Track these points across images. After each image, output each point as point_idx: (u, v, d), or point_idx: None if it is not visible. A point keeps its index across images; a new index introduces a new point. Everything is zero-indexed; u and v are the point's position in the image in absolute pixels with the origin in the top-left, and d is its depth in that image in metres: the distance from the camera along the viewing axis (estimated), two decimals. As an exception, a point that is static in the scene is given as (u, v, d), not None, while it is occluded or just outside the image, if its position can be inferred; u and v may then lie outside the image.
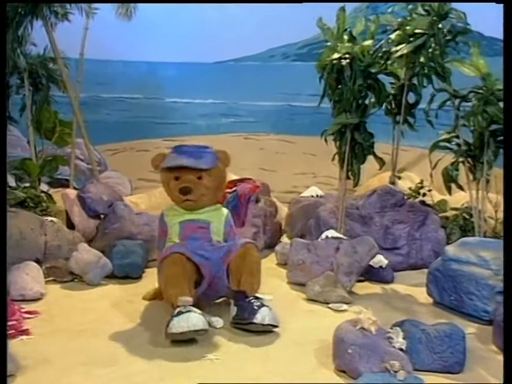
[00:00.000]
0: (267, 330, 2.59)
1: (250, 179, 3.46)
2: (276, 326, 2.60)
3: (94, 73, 4.85)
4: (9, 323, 2.48)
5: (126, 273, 3.31)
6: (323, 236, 3.46)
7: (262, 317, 2.55)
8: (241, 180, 3.45)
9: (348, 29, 3.58)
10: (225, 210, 3.01)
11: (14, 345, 2.32)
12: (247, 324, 2.57)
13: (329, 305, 2.96)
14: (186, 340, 2.41)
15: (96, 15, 3.90)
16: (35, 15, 3.46)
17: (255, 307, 2.58)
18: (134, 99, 5.51)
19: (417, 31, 3.45)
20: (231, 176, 3.62)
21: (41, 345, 2.42)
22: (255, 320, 2.55)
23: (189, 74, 5.67)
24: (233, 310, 2.66)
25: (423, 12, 3.47)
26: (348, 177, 3.69)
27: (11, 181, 3.64)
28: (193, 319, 2.39)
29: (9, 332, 2.44)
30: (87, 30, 3.88)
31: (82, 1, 3.72)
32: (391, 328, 2.33)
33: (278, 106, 5.81)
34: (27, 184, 3.52)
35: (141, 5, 4.24)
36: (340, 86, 3.52)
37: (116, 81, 5.57)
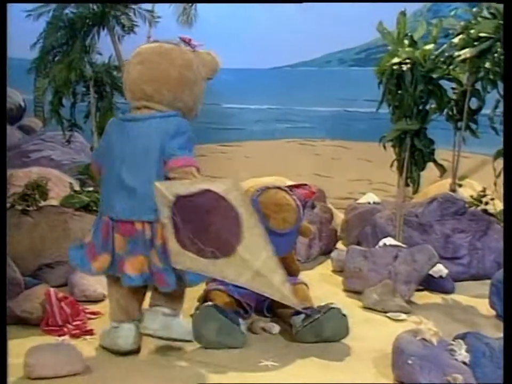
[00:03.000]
0: (340, 334, 2.54)
1: (305, 185, 3.43)
2: (347, 331, 2.56)
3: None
4: (74, 323, 2.59)
5: (183, 277, 3.36)
6: (380, 243, 3.41)
7: (338, 307, 2.54)
8: (297, 186, 3.43)
9: (409, 33, 3.52)
10: None
11: (79, 345, 2.39)
12: (326, 312, 2.51)
13: (387, 314, 2.92)
14: None
15: (158, 23, 3.99)
16: (102, 26, 3.58)
17: (326, 306, 2.56)
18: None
19: (482, 34, 3.34)
20: (287, 182, 3.62)
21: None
22: (332, 306, 2.53)
23: (245, 80, 5.72)
24: (299, 317, 2.60)
25: (488, 15, 3.37)
26: (406, 184, 3.62)
27: (75, 185, 3.77)
28: None
29: (74, 332, 2.54)
30: (150, 39, 3.98)
31: (123, 1, 3.72)
32: (453, 340, 2.27)
33: (334, 111, 5.77)
34: (91, 189, 3.64)
35: (201, 13, 4.32)
36: (399, 92, 3.46)
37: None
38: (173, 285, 2.33)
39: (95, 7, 3.65)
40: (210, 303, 2.51)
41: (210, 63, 2.51)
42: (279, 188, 2.86)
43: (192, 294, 3.11)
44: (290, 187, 3.39)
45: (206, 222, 2.21)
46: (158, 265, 2.31)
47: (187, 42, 2.50)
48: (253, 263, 2.21)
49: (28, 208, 3.29)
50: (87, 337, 2.55)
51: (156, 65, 2.41)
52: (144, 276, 2.35)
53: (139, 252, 2.34)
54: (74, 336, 2.51)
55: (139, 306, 2.48)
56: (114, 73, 3.76)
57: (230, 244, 2.20)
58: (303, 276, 3.10)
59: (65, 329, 2.55)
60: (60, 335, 2.43)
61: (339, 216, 4.50)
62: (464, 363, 2.15)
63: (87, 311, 2.77)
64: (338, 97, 5.72)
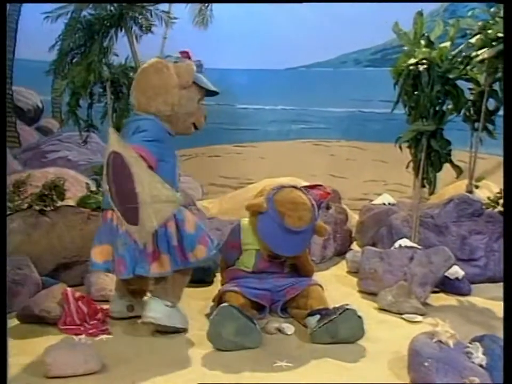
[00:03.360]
0: (355, 336, 2.53)
1: (320, 185, 3.43)
2: (362, 332, 2.55)
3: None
4: (91, 322, 2.61)
5: (199, 277, 3.37)
6: (396, 244, 3.39)
7: (353, 308, 2.54)
8: (312, 187, 3.43)
9: (425, 34, 3.50)
10: None
11: (96, 344, 2.42)
12: (341, 313, 2.50)
13: (403, 316, 2.90)
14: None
15: (174, 24, 4.01)
16: (120, 27, 3.61)
17: (342, 307, 2.55)
18: (206, 105, 5.61)
19: (500, 35, 3.32)
20: (301, 183, 3.62)
21: (121, 345, 2.50)
22: (348, 307, 2.52)
23: (260, 80, 5.73)
24: (314, 318, 2.61)
25: (506, 15, 3.34)
26: (423, 186, 3.60)
27: (92, 185, 3.80)
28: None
29: (92, 331, 2.56)
30: (165, 39, 4.00)
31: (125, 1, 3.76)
32: (470, 343, 2.25)
33: (349, 112, 5.76)
34: (107, 189, 3.66)
35: (216, 14, 4.34)
36: (416, 92, 3.45)
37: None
38: (126, 274, 2.50)
39: (112, 8, 3.68)
40: (227, 303, 2.52)
41: (184, 72, 2.65)
42: (294, 187, 2.87)
43: (205, 295, 3.14)
44: (305, 188, 3.40)
45: (120, 184, 2.40)
46: (121, 252, 2.49)
47: (184, 55, 2.71)
48: (144, 196, 2.35)
49: (45, 209, 3.32)
50: (104, 336, 2.56)
51: (137, 78, 2.73)
52: (107, 264, 2.57)
53: (107, 241, 2.56)
54: (91, 335, 2.53)
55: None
56: (131, 74, 3.78)
57: (133, 191, 2.35)
58: (318, 276, 3.10)
59: (82, 328, 2.57)
60: (77, 334, 2.45)
61: (354, 217, 4.49)
62: (481, 366, 2.14)
63: (104, 310, 2.78)
64: (354, 98, 5.70)
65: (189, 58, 2.70)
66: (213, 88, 2.79)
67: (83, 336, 2.42)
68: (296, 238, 2.75)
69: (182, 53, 2.72)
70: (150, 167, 2.41)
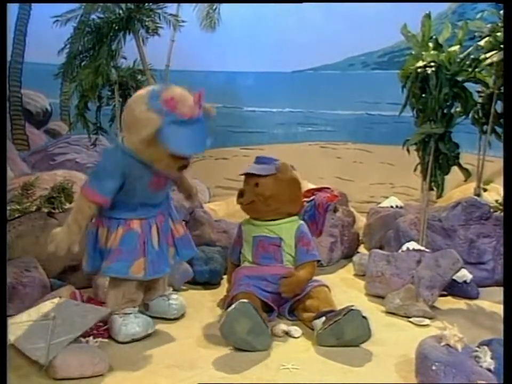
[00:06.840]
0: (361, 337, 2.51)
1: (328, 188, 3.43)
2: (368, 333, 2.52)
3: (177, 84, 5.01)
4: (99, 324, 2.61)
5: (206, 280, 3.38)
6: (404, 247, 3.39)
7: (358, 308, 2.52)
8: (319, 189, 3.43)
9: (434, 36, 3.49)
10: (298, 223, 3.01)
11: (103, 346, 2.43)
12: (345, 314, 2.49)
13: (410, 319, 2.89)
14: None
15: (182, 27, 4.03)
16: (128, 30, 3.63)
17: (346, 308, 2.53)
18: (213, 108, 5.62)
19: (510, 37, 3.31)
20: (308, 185, 3.62)
21: (128, 347, 2.51)
22: (352, 308, 2.51)
23: (267, 83, 5.73)
24: (320, 321, 2.60)
25: (515, 18, 3.32)
26: (430, 188, 3.59)
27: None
28: None
29: (99, 333, 2.56)
30: (174, 42, 4.03)
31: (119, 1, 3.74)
32: (478, 347, 2.24)
33: (356, 115, 5.75)
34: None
35: (224, 17, 4.36)
36: (424, 95, 3.44)
37: (197, 91, 5.71)
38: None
39: (120, 12, 3.70)
40: (246, 300, 2.49)
41: (145, 125, 2.38)
42: None
43: (213, 297, 3.14)
44: (313, 190, 3.40)
45: None
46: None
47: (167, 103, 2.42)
48: None
49: (53, 211, 3.34)
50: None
51: (123, 117, 2.60)
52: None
53: None
54: (98, 337, 2.54)
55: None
56: (139, 77, 3.81)
57: None
58: (325, 279, 3.09)
59: (90, 330, 2.57)
60: (84, 336, 2.46)
61: (361, 220, 4.48)
62: (489, 370, 2.13)
63: (111, 312, 2.79)
64: (361, 101, 5.69)
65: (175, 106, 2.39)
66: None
67: (90, 338, 2.43)
68: (259, 163, 3.01)
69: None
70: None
